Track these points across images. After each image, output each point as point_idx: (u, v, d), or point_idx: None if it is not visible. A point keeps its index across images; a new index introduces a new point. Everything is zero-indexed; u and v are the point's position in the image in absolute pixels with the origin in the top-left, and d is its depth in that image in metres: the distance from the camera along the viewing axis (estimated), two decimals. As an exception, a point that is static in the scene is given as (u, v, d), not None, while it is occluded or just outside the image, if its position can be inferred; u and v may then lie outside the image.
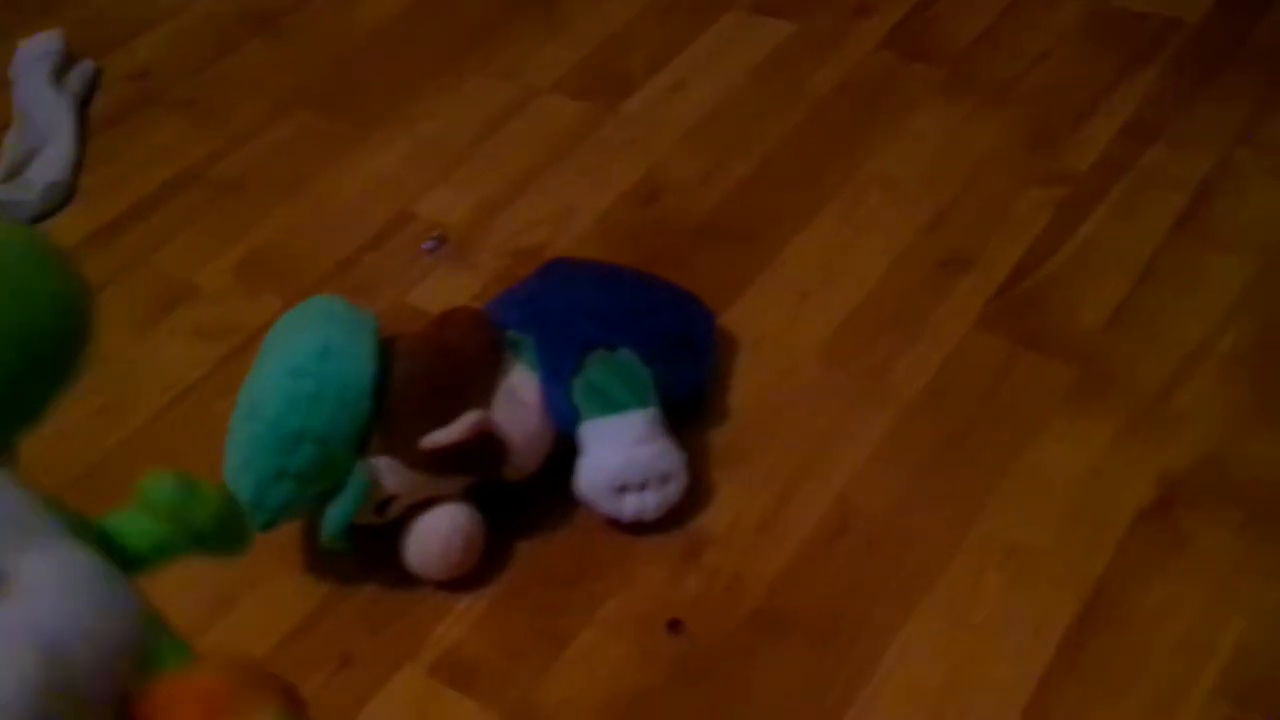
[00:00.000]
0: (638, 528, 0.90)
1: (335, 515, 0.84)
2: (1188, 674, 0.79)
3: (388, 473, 0.85)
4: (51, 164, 1.27)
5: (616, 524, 0.91)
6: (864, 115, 1.24)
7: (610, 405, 0.89)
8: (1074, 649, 0.81)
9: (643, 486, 0.89)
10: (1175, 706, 0.78)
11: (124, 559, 0.52)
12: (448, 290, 1.12)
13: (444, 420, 0.85)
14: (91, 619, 0.45)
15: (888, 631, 0.84)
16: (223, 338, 1.10)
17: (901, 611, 0.85)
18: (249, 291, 1.15)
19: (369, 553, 0.89)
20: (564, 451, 0.90)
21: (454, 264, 1.15)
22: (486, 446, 0.86)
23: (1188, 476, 0.90)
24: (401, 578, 0.89)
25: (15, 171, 1.28)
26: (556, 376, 0.90)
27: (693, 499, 0.91)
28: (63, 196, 1.26)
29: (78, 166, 1.30)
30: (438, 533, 0.87)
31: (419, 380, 0.86)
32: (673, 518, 0.91)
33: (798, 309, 1.06)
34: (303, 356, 0.83)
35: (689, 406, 0.97)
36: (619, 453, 0.88)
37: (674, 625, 0.86)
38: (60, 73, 1.38)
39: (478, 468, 0.87)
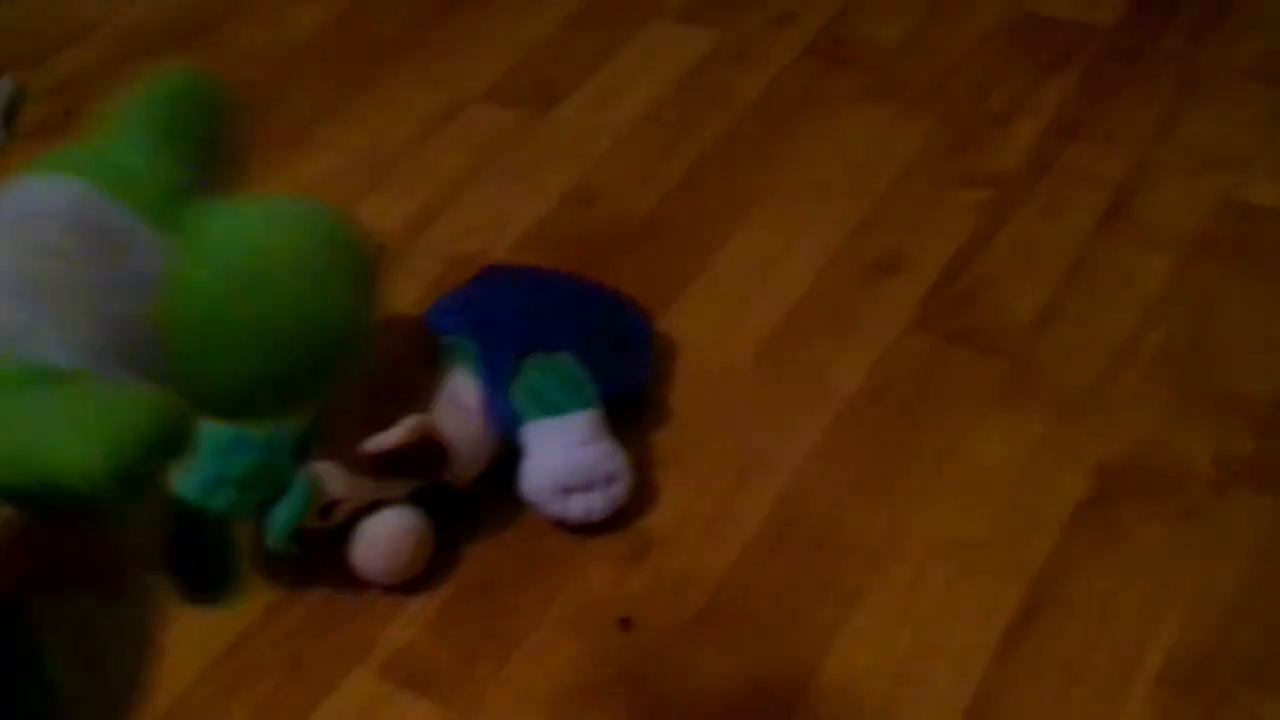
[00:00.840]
0: (584, 528, 0.91)
1: (280, 520, 0.83)
2: (1130, 664, 0.81)
3: (331, 477, 0.85)
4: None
5: (563, 525, 0.91)
6: (790, 121, 1.26)
7: (551, 407, 0.89)
8: (1017, 641, 0.83)
9: (588, 488, 0.89)
10: (1119, 696, 0.80)
11: None
12: (385, 298, 1.11)
13: (384, 425, 0.85)
14: None
15: (833, 627, 0.85)
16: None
17: (846, 607, 0.86)
18: (182, 302, 1.14)
19: (316, 556, 0.89)
20: (508, 454, 0.91)
21: (391, 272, 1.15)
22: (428, 450, 0.86)
23: (1121, 470, 0.92)
24: (350, 581, 0.89)
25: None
26: (497, 381, 0.90)
27: (638, 499, 0.92)
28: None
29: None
30: (384, 536, 0.87)
31: (359, 385, 0.86)
32: (619, 518, 0.91)
33: (734, 312, 1.07)
34: (243, 363, 0.83)
35: (629, 408, 0.97)
36: (562, 455, 0.89)
37: (625, 623, 0.86)
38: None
39: (420, 471, 0.87)
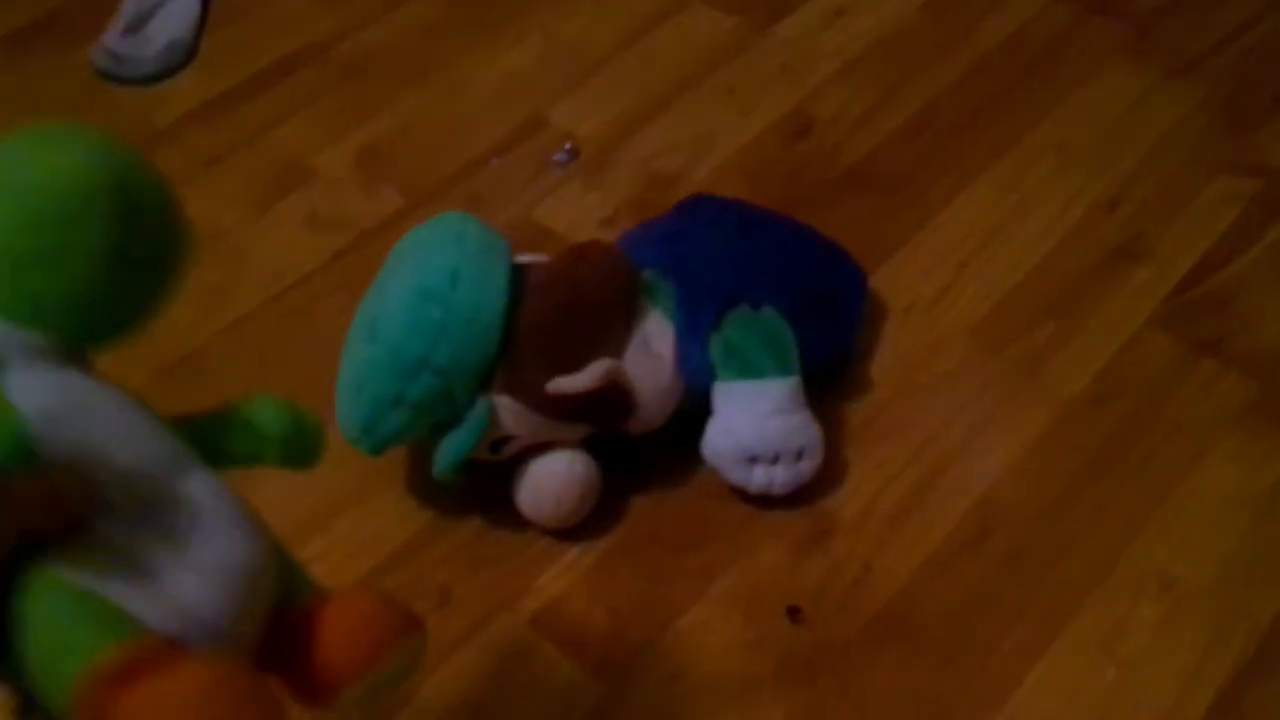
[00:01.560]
0: (762, 501, 0.84)
1: (451, 449, 0.78)
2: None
3: (508, 412, 0.78)
4: (174, 20, 1.21)
5: (740, 493, 0.84)
6: (1038, 71, 1.14)
7: (749, 369, 0.82)
8: (1233, 701, 0.74)
9: (774, 459, 0.82)
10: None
11: (208, 458, 0.53)
12: (576, 209, 1.05)
13: (573, 365, 0.78)
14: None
15: (1026, 656, 0.77)
16: (337, 230, 1.04)
17: (1043, 635, 0.78)
18: (367, 183, 1.08)
19: (477, 488, 0.84)
20: (692, 408, 0.83)
21: (584, 181, 1.07)
22: (615, 398, 0.79)
23: (1373, 525, 0.81)
24: (507, 518, 0.84)
25: (137, 25, 1.21)
26: (694, 331, 0.82)
27: (823, 477, 0.84)
28: (182, 56, 1.19)
29: (200, 26, 1.23)
30: (553, 479, 0.81)
31: (550, 320, 0.79)
32: (800, 495, 0.84)
33: (953, 279, 0.98)
34: (432, 280, 0.77)
35: (828, 372, 0.89)
36: (754, 421, 0.81)
37: (794, 613, 0.79)
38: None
39: (603, 419, 0.81)
